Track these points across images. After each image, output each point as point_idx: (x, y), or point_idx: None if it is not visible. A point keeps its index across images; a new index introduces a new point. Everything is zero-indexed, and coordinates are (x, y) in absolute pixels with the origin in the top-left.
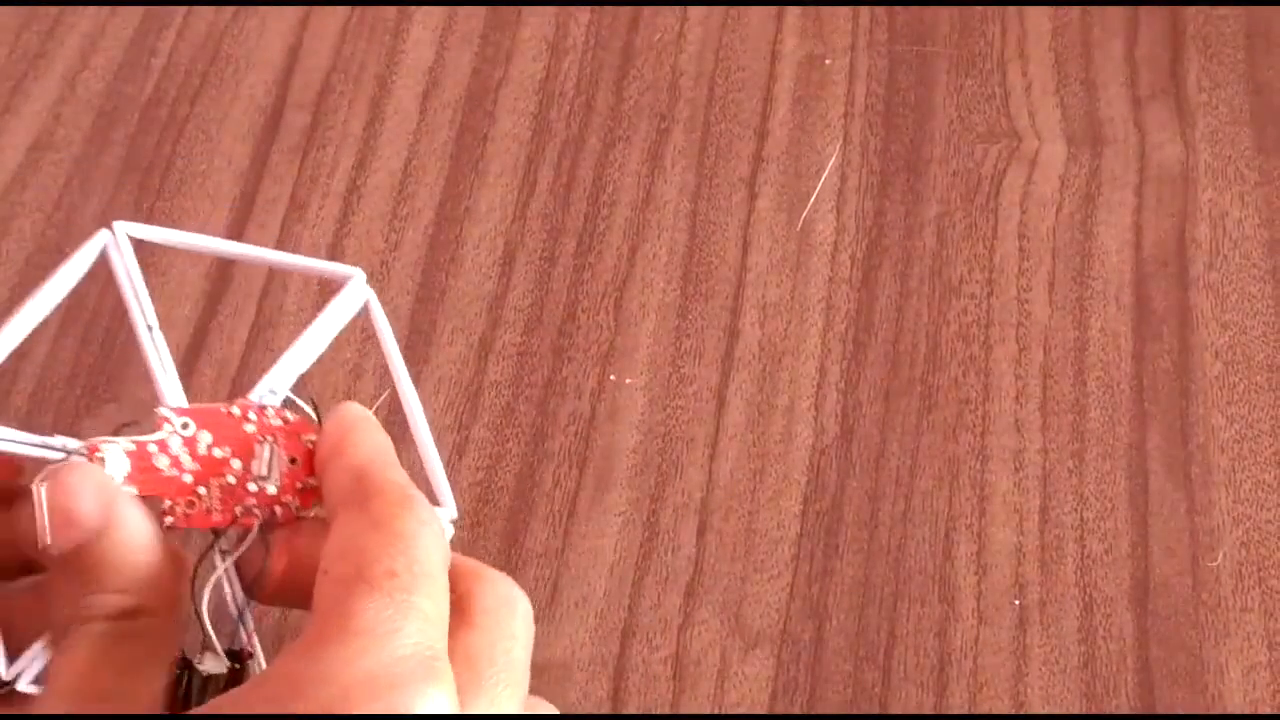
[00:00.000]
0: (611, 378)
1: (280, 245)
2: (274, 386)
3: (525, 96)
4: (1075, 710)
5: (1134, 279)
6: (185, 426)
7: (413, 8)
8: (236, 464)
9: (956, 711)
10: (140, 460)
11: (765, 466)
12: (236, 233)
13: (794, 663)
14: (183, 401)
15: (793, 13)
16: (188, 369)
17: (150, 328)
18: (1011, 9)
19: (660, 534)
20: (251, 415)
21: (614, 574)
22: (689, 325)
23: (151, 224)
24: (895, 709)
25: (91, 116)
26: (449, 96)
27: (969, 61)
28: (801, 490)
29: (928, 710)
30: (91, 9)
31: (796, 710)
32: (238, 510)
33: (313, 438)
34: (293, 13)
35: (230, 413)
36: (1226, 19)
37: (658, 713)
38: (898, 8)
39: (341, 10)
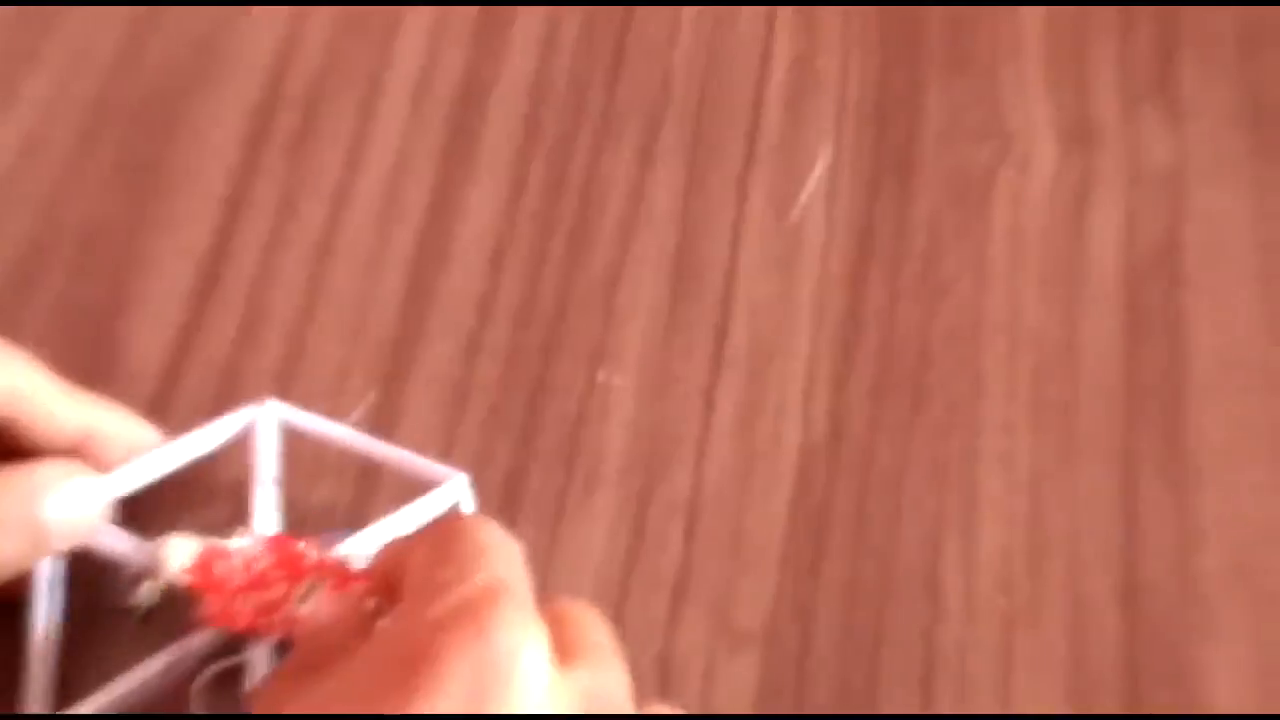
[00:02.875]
0: (600, 377)
1: (270, 243)
2: (359, 547)
3: (517, 95)
4: (1063, 712)
5: (1125, 279)
6: (255, 546)
7: (404, 7)
8: (281, 588)
9: (944, 712)
10: (204, 559)
11: (754, 466)
12: (228, 233)
13: (781, 663)
14: (272, 530)
15: (785, 12)
16: (176, 367)
17: (278, 482)
18: (1004, 8)
19: (648, 534)
20: (314, 553)
21: (601, 574)
22: (678, 324)
23: (143, 226)
24: (883, 710)
25: (83, 116)
26: (440, 95)
27: (961, 61)
28: (790, 490)
29: (914, 711)
30: (83, 8)
31: (783, 711)
32: (262, 622)
33: (361, 586)
34: (285, 12)
35: (299, 548)
36: (1219, 18)
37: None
38: (889, 7)
39: (333, 9)
